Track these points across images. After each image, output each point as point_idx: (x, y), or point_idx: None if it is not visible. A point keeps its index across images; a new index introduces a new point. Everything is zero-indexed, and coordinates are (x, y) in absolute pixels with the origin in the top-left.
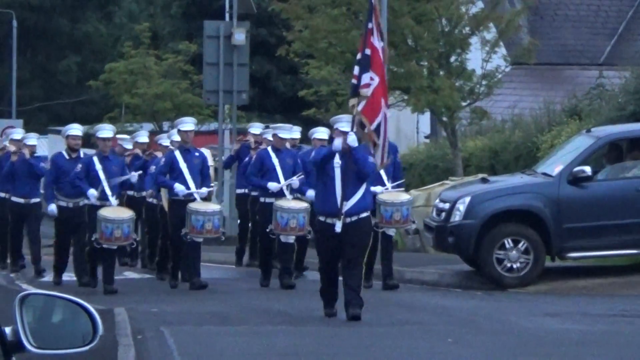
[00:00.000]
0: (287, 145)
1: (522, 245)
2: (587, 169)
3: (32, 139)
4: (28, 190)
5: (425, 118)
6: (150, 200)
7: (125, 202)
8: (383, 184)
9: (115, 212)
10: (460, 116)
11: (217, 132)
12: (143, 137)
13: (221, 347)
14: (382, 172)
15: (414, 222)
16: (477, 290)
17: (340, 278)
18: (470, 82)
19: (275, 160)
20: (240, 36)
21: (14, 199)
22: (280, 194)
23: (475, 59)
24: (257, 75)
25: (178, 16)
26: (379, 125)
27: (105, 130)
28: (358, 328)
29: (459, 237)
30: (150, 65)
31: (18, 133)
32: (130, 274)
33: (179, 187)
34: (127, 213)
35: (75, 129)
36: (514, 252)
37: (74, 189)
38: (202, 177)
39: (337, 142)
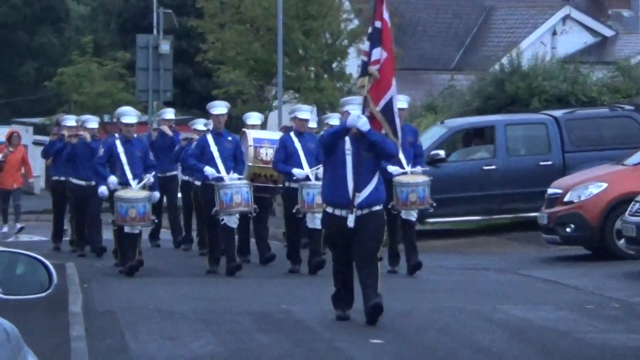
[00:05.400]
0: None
1: None
2: (442, 153)
3: (93, 122)
4: (89, 174)
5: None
6: (186, 178)
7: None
8: (402, 168)
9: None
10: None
11: (148, 123)
12: (170, 114)
13: (151, 293)
14: (401, 155)
15: (432, 204)
16: None
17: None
18: (348, 84)
19: (297, 145)
20: (165, 47)
21: (75, 181)
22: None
23: (352, 65)
24: (179, 78)
25: (115, 31)
26: (388, 105)
27: (130, 117)
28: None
29: None
30: (93, 69)
31: (71, 120)
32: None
33: (209, 170)
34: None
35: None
36: None
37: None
38: (235, 162)
39: (352, 118)
